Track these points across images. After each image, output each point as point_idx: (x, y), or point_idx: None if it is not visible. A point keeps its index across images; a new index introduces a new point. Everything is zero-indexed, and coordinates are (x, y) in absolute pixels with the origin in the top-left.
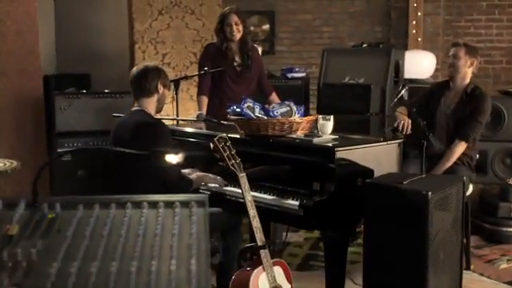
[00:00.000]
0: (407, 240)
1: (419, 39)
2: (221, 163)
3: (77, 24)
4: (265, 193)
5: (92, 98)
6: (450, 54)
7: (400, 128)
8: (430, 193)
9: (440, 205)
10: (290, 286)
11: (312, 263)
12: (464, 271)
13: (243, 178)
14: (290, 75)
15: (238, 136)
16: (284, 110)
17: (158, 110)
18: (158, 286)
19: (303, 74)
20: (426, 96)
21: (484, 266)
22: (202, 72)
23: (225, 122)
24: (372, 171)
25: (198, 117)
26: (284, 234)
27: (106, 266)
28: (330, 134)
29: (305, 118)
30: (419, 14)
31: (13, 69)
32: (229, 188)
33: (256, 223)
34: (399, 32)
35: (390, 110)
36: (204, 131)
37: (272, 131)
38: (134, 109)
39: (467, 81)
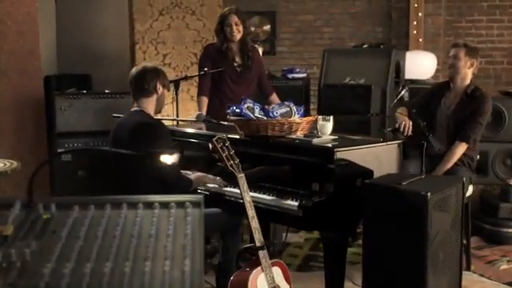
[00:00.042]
0: (406, 241)
1: (420, 40)
2: (219, 164)
3: (78, 24)
4: (264, 193)
5: (92, 98)
6: (450, 54)
7: (401, 129)
8: (429, 193)
9: (439, 205)
10: (288, 286)
11: (312, 264)
12: (464, 272)
13: (242, 178)
14: (290, 76)
15: (237, 136)
16: (284, 110)
17: (158, 111)
18: (151, 286)
19: (304, 75)
20: (426, 97)
21: (484, 266)
22: (202, 72)
23: (224, 123)
24: (372, 172)
25: (197, 117)
26: (284, 234)
27: (99, 267)
28: (330, 134)
29: (304, 119)
30: (420, 14)
31: (13, 69)
32: (228, 189)
33: (255, 224)
34: (400, 32)
35: (390, 111)
36: (204, 132)
37: (271, 132)
38: (133, 109)
39: (467, 82)
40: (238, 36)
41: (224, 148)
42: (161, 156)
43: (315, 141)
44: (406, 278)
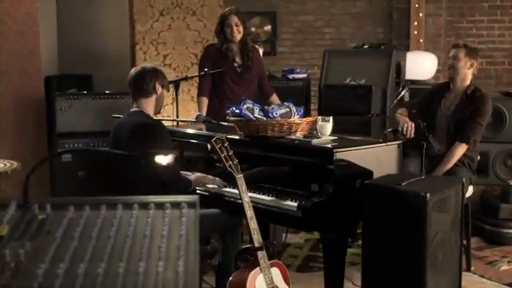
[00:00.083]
0: (406, 241)
1: (421, 40)
2: (218, 164)
3: (78, 25)
4: (263, 194)
5: (92, 98)
6: (450, 55)
7: (404, 132)
8: (428, 194)
9: (438, 206)
10: (287, 287)
11: (312, 264)
12: (464, 273)
13: (240, 179)
14: (291, 76)
15: (237, 137)
16: (283, 111)
17: (157, 111)
18: (144, 287)
19: (304, 75)
20: (426, 97)
21: (485, 267)
22: (202, 73)
23: (224, 123)
24: (371, 172)
25: (196, 118)
26: (283, 235)
27: (93, 268)
28: (330, 135)
29: (304, 119)
30: (421, 15)
31: (14, 69)
32: (228, 189)
33: (253, 224)
34: (401, 33)
35: (390, 112)
36: (203, 132)
37: (271, 132)
38: (132, 110)
39: (467, 82)
40: (238, 37)
41: (223, 148)
42: (156, 156)
43: (314, 141)
44: (405, 279)
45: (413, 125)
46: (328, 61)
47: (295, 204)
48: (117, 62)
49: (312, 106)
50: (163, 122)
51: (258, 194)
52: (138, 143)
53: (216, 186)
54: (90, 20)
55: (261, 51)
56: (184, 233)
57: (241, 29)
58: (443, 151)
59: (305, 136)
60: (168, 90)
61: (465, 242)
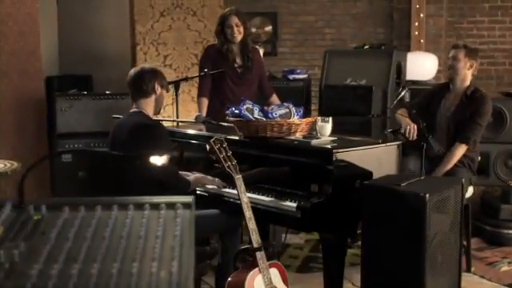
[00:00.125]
0: (405, 242)
1: (421, 41)
2: (217, 165)
3: (79, 26)
4: (263, 194)
5: (93, 99)
6: (450, 55)
7: (406, 134)
8: (427, 195)
9: (438, 207)
10: (286, 287)
11: (312, 265)
12: (465, 273)
13: (239, 179)
14: (291, 77)
15: (236, 138)
16: (283, 111)
17: (157, 111)
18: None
19: (305, 76)
20: (426, 98)
21: (485, 268)
22: (202, 73)
23: (224, 124)
24: (371, 173)
25: (196, 118)
26: (283, 235)
27: (87, 268)
28: (329, 135)
29: (303, 120)
30: (421, 15)
31: (14, 70)
32: (227, 190)
33: (252, 225)
34: (401, 33)
35: (390, 112)
36: (203, 133)
37: (270, 133)
38: (132, 110)
39: (467, 83)
40: (238, 37)
41: (221, 149)
42: (151, 157)
43: (314, 142)
44: (405, 279)
45: (415, 127)
46: (328, 61)
47: (294, 205)
48: (117, 63)
49: (312, 107)
50: (163, 122)
51: (258, 194)
52: (137, 144)
53: (215, 187)
54: (90, 20)
55: (261, 52)
56: (179, 233)
57: (241, 29)
58: (443, 152)
59: (304, 137)
60: (167, 91)
61: (465, 243)
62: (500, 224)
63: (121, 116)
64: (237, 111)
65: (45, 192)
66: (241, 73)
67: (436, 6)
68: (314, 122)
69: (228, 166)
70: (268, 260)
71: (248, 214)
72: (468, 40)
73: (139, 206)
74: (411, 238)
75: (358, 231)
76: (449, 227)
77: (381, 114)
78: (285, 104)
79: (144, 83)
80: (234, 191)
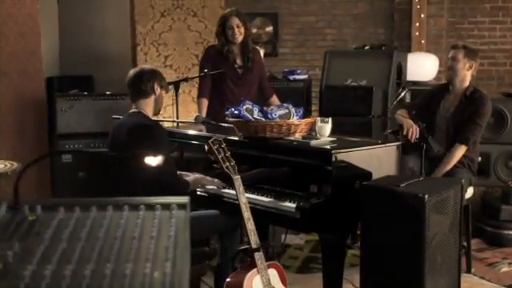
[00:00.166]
0: (404, 243)
1: (422, 41)
2: (215, 165)
3: (80, 26)
4: (262, 195)
5: (93, 99)
6: (449, 56)
7: (408, 136)
8: (426, 195)
9: (437, 208)
10: None
11: (312, 266)
12: (465, 274)
13: (238, 180)
14: (291, 77)
15: (236, 138)
16: (282, 112)
17: (156, 112)
18: None
19: (305, 76)
20: (426, 98)
21: (485, 269)
22: (202, 74)
23: (223, 124)
24: (370, 174)
25: (196, 119)
26: (283, 236)
27: (80, 269)
28: (329, 136)
29: (303, 121)
30: (422, 16)
31: (15, 70)
32: (226, 190)
33: (250, 226)
34: (402, 34)
35: (390, 113)
36: (203, 133)
37: (270, 133)
38: (131, 111)
39: (466, 83)
40: (239, 38)
41: (220, 150)
42: (145, 158)
43: (313, 143)
44: (404, 280)
45: (417, 129)
46: (329, 62)
47: (294, 205)
48: (118, 63)
49: (313, 107)
50: (162, 122)
51: (257, 195)
52: (135, 144)
53: (215, 187)
54: (91, 21)
55: (262, 52)
56: (173, 234)
57: (242, 30)
58: (442, 152)
59: (303, 137)
60: (167, 91)
61: (465, 244)
62: (500, 225)
63: (121, 116)
64: (236, 112)
65: (45, 193)
66: (241, 74)
67: (437, 6)
68: (314, 123)
69: (226, 167)
70: (267, 260)
71: (246, 214)
72: (469, 40)
73: (134, 207)
74: (410, 238)
75: (358, 232)
76: (448, 228)
77: (381, 114)
78: (284, 105)
79: (143, 84)
80: (234, 192)
